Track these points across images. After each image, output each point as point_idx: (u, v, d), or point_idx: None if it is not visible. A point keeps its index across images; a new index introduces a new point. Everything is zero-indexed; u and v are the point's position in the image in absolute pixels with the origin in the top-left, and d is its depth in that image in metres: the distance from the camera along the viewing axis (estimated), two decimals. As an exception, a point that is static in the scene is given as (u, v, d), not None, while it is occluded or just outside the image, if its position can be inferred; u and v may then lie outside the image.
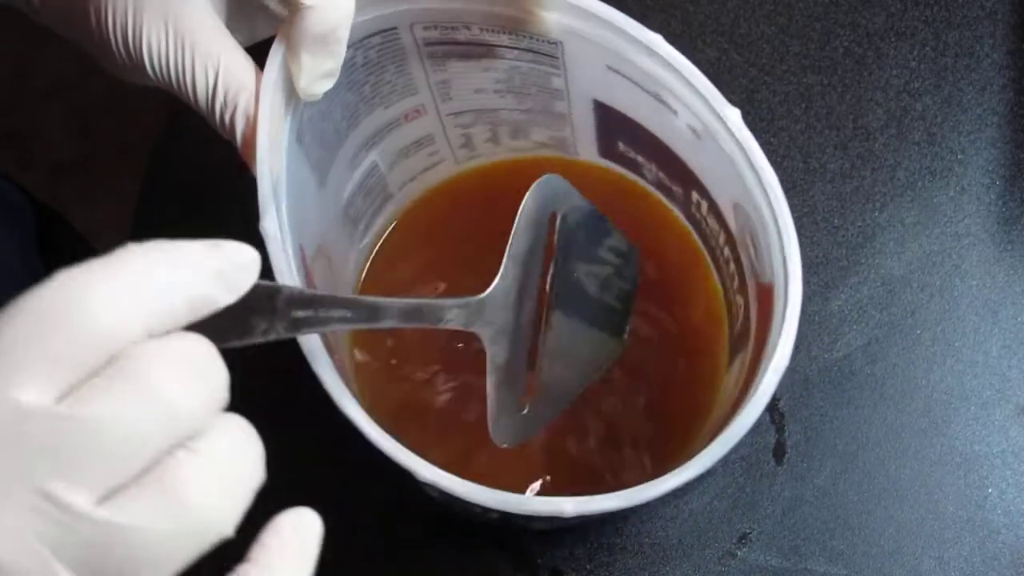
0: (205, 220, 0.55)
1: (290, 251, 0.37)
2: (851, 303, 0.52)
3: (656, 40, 0.37)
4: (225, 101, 0.37)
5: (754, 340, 0.39)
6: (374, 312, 0.34)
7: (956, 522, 0.49)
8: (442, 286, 0.49)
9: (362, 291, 0.49)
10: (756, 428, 0.51)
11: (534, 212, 0.40)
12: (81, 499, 0.23)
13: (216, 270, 0.27)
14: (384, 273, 0.49)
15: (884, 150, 0.55)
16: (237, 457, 0.25)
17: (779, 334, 0.35)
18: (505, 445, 0.39)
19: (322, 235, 0.43)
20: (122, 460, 0.24)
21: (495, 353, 0.38)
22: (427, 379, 0.48)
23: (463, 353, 0.47)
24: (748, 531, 0.50)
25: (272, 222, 0.36)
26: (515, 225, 0.39)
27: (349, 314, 0.33)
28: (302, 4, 0.35)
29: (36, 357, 0.23)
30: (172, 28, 0.37)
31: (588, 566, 0.49)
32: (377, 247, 0.50)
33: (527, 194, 0.40)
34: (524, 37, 0.39)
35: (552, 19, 0.38)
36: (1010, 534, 0.49)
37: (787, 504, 0.50)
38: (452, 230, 0.50)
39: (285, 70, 0.37)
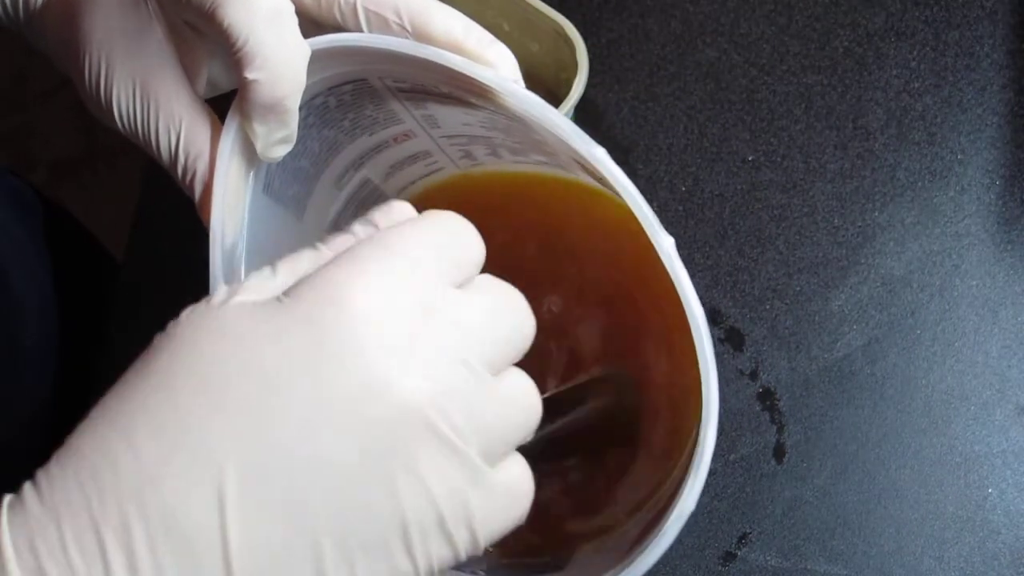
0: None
1: None
2: (851, 303, 0.53)
3: (599, 155, 0.35)
4: (185, 166, 0.38)
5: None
6: None
7: (956, 522, 0.49)
8: None
9: None
10: (756, 428, 0.52)
11: None
12: (485, 369, 0.29)
13: None
14: None
15: (884, 150, 0.55)
16: None
17: (695, 473, 0.34)
18: None
19: None
20: (503, 339, 0.30)
21: None
22: None
23: None
24: (748, 531, 0.50)
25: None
26: None
27: None
28: (246, 78, 0.35)
29: (442, 261, 0.30)
30: (139, 87, 0.37)
31: (588, 566, 0.49)
32: None
33: None
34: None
35: (513, 103, 0.37)
36: (1010, 534, 0.49)
37: (787, 504, 0.50)
38: None
39: (243, 134, 0.37)
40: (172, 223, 0.57)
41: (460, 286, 0.30)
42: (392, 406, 0.27)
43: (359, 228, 0.31)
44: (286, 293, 0.28)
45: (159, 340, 0.28)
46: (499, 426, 0.29)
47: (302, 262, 0.30)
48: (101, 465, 0.26)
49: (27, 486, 0.27)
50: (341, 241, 0.31)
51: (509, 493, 0.30)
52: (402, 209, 0.32)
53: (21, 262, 0.55)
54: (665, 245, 0.35)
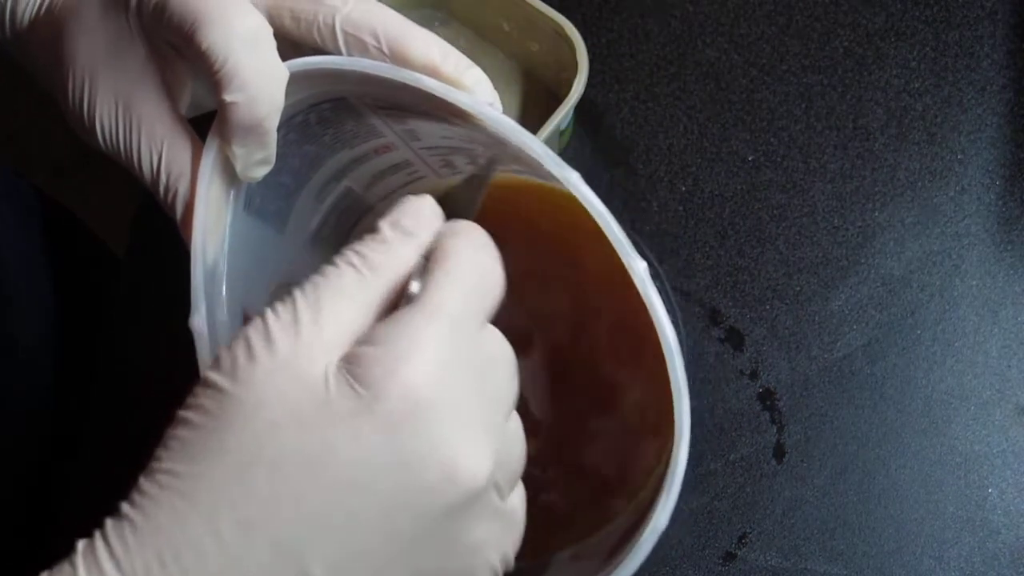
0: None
1: (227, 334, 0.38)
2: (851, 303, 0.53)
3: (573, 179, 0.36)
4: (167, 185, 0.38)
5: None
6: None
7: (956, 522, 0.49)
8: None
9: None
10: (756, 428, 0.52)
11: None
12: (508, 420, 0.31)
13: None
14: None
15: (884, 150, 0.55)
16: None
17: (667, 491, 0.35)
18: None
19: (284, 273, 0.44)
20: (512, 388, 0.32)
21: None
22: None
23: None
24: (748, 531, 0.50)
25: (200, 319, 0.37)
26: None
27: None
28: (224, 100, 0.35)
29: (479, 318, 0.31)
30: (122, 106, 0.38)
31: (588, 566, 0.49)
32: None
33: None
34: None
35: (488, 126, 0.37)
36: (1010, 534, 0.49)
37: (787, 504, 0.50)
38: None
39: (223, 154, 0.37)
40: (172, 223, 0.57)
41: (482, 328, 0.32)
42: (466, 493, 0.29)
43: (391, 234, 0.32)
44: (352, 374, 0.28)
45: (231, 409, 0.28)
46: (515, 467, 0.32)
47: (345, 289, 0.30)
48: (183, 546, 0.27)
49: (100, 543, 0.27)
50: (377, 255, 0.31)
51: (518, 518, 0.33)
52: (429, 213, 0.33)
53: (20, 261, 0.55)
54: (638, 269, 0.35)
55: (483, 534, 0.30)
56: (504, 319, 0.34)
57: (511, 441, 0.31)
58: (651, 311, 0.35)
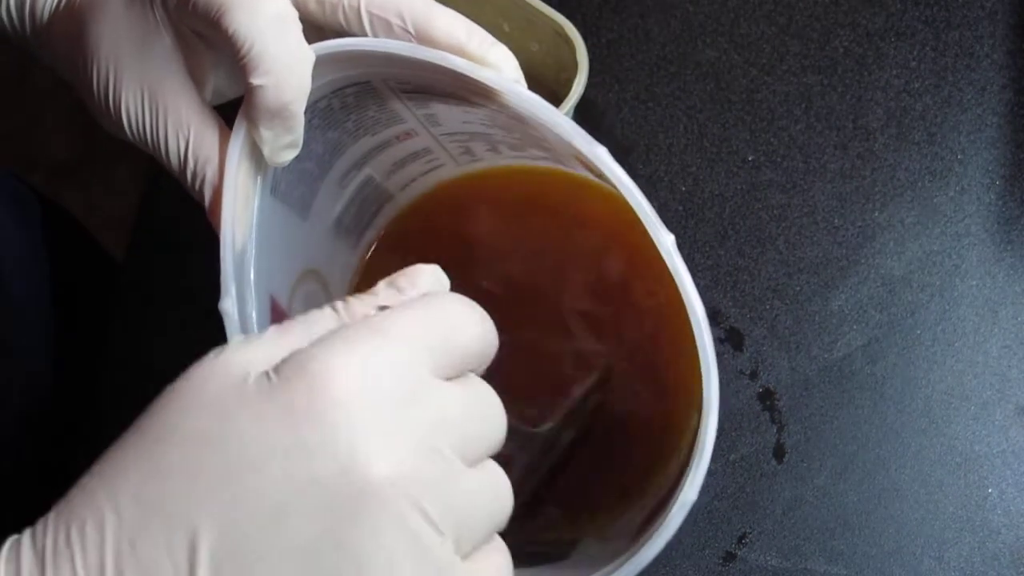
0: (206, 220, 0.55)
1: (254, 316, 0.38)
2: (851, 303, 0.53)
3: (600, 153, 0.36)
4: (195, 171, 0.38)
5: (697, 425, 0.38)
6: None
7: (956, 522, 0.49)
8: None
9: (360, 284, 0.49)
10: (756, 428, 0.52)
11: None
12: (459, 460, 0.29)
13: None
14: (380, 269, 0.50)
15: (884, 150, 0.55)
16: None
17: (696, 464, 0.35)
18: None
19: (307, 259, 0.44)
20: (478, 435, 0.30)
21: None
22: None
23: None
24: (748, 531, 0.50)
25: (230, 303, 0.37)
26: None
27: None
28: (251, 83, 0.35)
29: (431, 352, 0.30)
30: (148, 94, 0.38)
31: (588, 566, 0.49)
32: (376, 243, 0.50)
33: None
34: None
35: (515, 103, 0.37)
36: (1010, 534, 0.49)
37: (787, 504, 0.50)
38: (453, 228, 0.50)
39: (251, 139, 0.38)
40: (172, 223, 0.57)
41: (448, 379, 0.30)
42: (364, 492, 0.27)
43: (383, 291, 0.31)
44: (276, 370, 0.28)
45: (157, 402, 0.29)
46: (473, 516, 0.29)
47: (316, 326, 0.30)
48: (88, 521, 0.27)
49: (28, 530, 0.28)
50: (361, 305, 0.31)
51: None
52: (428, 277, 0.32)
53: (19, 264, 0.55)
54: (666, 242, 0.36)
55: (400, 561, 0.27)
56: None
57: (473, 493, 0.29)
58: (678, 282, 0.35)
